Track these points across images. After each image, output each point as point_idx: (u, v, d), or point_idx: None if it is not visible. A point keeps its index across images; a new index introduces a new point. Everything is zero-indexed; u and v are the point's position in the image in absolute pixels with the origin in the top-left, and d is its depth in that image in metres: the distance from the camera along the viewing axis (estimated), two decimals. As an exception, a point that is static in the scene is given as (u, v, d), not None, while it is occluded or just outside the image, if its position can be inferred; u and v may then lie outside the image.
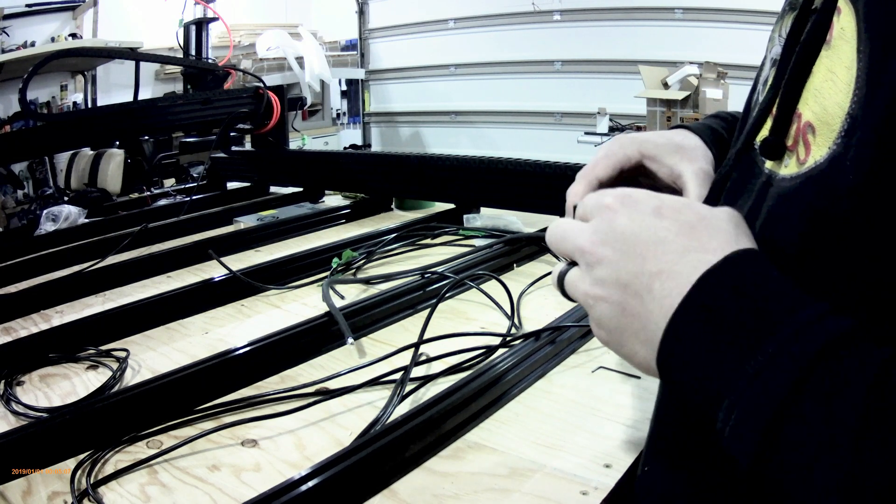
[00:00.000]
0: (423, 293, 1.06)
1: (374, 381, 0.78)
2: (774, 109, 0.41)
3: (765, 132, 0.43)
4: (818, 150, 0.36)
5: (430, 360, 0.84)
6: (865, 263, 0.34)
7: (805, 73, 0.39)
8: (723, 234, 0.37)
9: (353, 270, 1.23)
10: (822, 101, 0.36)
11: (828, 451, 0.29)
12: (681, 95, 3.81)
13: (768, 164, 0.42)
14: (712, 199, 0.49)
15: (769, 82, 0.44)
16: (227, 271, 1.13)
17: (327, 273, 1.19)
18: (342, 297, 1.09)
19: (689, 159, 0.55)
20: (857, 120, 0.34)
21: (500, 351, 0.84)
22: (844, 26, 0.36)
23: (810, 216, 0.36)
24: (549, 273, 0.89)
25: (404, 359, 0.83)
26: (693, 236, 0.37)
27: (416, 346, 0.84)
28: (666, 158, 0.56)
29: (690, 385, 0.36)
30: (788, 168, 0.40)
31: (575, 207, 0.45)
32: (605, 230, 0.40)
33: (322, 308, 0.99)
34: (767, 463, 0.32)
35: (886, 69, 0.32)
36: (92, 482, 0.62)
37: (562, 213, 0.53)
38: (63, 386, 0.83)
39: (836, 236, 0.35)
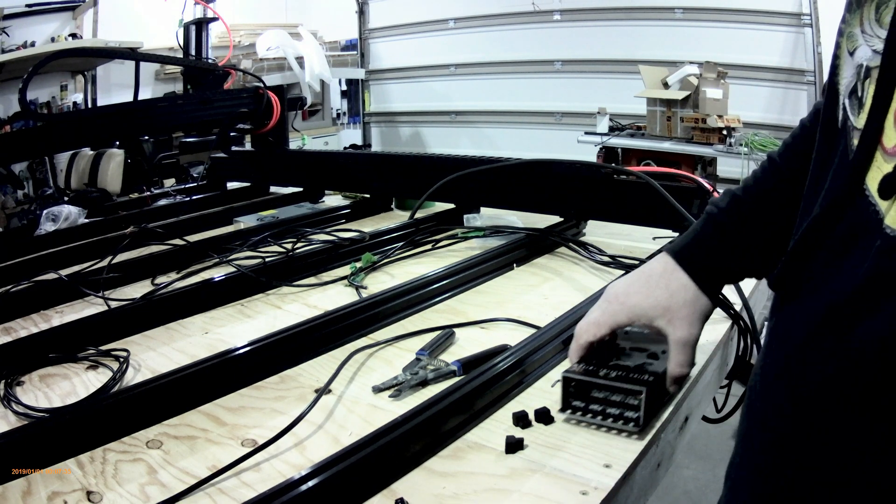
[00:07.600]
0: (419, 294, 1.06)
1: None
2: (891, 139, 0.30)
3: (879, 168, 0.31)
4: None
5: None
6: None
7: None
8: None
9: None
10: None
11: None
12: (681, 95, 3.80)
13: (889, 220, 0.31)
14: (804, 257, 0.40)
15: (867, 99, 0.32)
16: (232, 270, 1.13)
17: (330, 273, 1.19)
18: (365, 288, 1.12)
19: (675, 326, 0.63)
20: None
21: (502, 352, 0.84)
22: None
23: None
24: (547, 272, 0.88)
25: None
26: None
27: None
28: (654, 322, 0.65)
29: None
30: None
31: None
32: None
33: (321, 308, 0.99)
34: None
35: None
36: (93, 482, 0.62)
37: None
38: (63, 386, 0.83)
39: None
